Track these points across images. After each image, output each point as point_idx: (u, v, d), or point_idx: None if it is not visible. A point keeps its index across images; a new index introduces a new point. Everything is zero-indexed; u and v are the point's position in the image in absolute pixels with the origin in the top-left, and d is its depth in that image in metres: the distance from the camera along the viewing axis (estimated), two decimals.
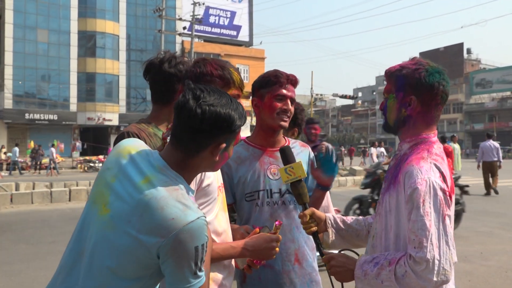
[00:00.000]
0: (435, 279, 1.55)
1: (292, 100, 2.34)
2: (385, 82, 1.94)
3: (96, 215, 1.45)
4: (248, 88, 2.71)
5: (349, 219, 2.10)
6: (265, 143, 2.39)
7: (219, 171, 2.02)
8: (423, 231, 1.57)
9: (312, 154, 2.51)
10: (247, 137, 2.48)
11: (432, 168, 1.66)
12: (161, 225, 1.34)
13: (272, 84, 2.30)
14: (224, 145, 1.50)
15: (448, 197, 1.66)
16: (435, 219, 1.59)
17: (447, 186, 1.67)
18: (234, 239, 2.10)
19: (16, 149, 27.51)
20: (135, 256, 1.38)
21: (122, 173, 1.46)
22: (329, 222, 2.06)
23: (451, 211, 1.68)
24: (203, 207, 1.86)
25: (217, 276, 1.89)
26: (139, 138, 2.21)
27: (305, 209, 2.04)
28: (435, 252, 1.56)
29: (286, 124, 2.33)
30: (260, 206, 2.30)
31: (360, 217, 2.15)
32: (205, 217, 1.43)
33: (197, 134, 1.45)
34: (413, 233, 1.60)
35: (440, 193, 1.62)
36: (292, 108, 2.34)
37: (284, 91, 2.30)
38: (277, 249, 1.93)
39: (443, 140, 17.11)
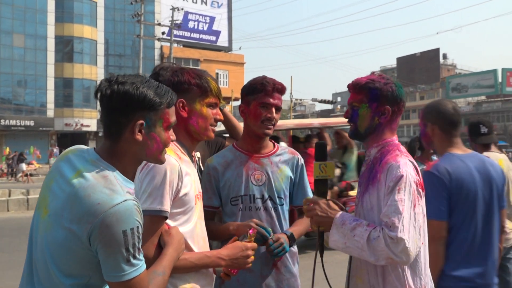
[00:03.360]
0: (399, 254, 1.75)
1: (278, 108, 2.36)
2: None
3: (39, 220, 1.45)
4: (227, 93, 2.73)
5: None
6: (251, 148, 2.41)
7: (197, 180, 2.01)
8: (395, 214, 1.77)
9: (301, 162, 2.52)
10: (236, 142, 2.51)
11: (407, 163, 1.89)
12: (89, 211, 1.33)
13: (258, 92, 2.32)
14: (141, 121, 1.47)
15: (420, 189, 1.87)
16: (408, 206, 1.79)
17: (419, 178, 1.90)
18: (224, 235, 2.18)
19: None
20: (72, 249, 1.36)
21: (58, 173, 1.46)
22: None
23: (422, 202, 1.88)
24: (180, 217, 1.86)
25: (195, 286, 1.88)
26: None
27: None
28: (404, 233, 1.75)
29: (270, 132, 2.37)
30: (243, 210, 2.32)
31: None
32: (137, 202, 1.40)
33: (112, 114, 1.46)
34: (386, 216, 1.80)
35: (413, 185, 1.84)
36: (277, 116, 2.36)
37: (270, 100, 2.32)
38: (252, 257, 1.95)
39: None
